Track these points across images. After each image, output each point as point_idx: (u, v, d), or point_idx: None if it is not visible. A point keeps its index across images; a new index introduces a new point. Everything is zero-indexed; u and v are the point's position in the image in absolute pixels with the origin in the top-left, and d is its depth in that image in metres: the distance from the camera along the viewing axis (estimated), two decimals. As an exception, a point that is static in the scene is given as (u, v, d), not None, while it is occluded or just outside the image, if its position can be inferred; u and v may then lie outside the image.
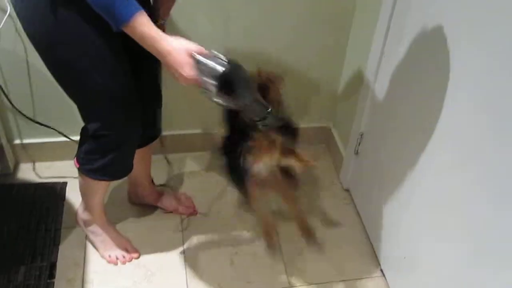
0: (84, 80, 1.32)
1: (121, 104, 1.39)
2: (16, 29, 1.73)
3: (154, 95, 1.64)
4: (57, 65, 1.31)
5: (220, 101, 1.25)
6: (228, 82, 1.22)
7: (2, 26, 1.69)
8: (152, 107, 1.65)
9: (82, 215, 1.78)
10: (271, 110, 1.30)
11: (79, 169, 1.57)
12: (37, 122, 1.97)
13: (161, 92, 1.65)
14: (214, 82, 1.21)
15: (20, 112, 1.93)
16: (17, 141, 2.06)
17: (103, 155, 1.49)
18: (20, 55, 1.79)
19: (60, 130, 2.01)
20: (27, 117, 1.95)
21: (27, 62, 1.82)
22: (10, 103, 1.89)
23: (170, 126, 2.03)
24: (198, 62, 1.21)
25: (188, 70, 1.20)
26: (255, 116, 1.30)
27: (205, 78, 1.21)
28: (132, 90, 1.40)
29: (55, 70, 1.33)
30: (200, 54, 1.21)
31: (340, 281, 1.78)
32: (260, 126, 1.32)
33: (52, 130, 1.99)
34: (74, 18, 1.22)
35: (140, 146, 1.68)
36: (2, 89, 1.86)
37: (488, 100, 1.18)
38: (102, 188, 1.67)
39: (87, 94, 1.37)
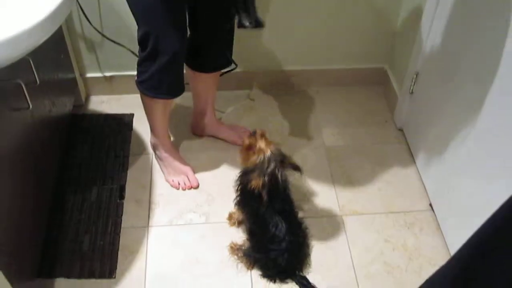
0: None
1: (160, 14, 1.51)
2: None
3: (223, 22, 1.72)
4: None
5: None
6: None
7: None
8: (221, 35, 1.75)
9: (151, 137, 1.95)
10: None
11: (135, 83, 1.73)
12: (107, 37, 2.07)
13: (232, 20, 1.73)
14: None
15: (95, 28, 2.03)
16: (89, 75, 2.20)
17: (148, 67, 1.62)
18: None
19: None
20: (100, 33, 2.05)
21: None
22: (95, 28, 2.01)
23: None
24: None
25: None
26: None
27: None
28: (176, 5, 1.51)
29: None
30: None
31: (389, 212, 1.86)
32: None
33: (120, 64, 2.12)
34: None
35: (207, 71, 1.84)
36: (87, 19, 1.98)
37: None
38: (158, 108, 1.79)
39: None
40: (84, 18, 1.98)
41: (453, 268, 0.90)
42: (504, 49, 1.39)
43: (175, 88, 1.72)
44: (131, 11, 1.56)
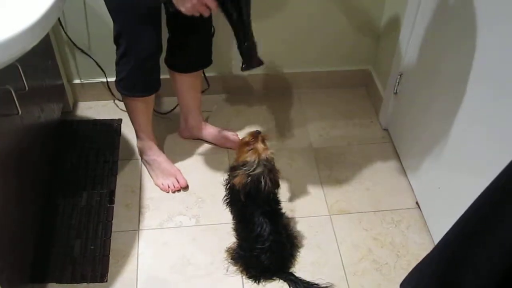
0: None
1: (132, 13, 1.53)
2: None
3: (203, 23, 1.73)
4: None
5: None
6: None
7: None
8: (199, 34, 1.77)
9: (137, 142, 1.97)
10: None
11: (115, 84, 1.75)
12: (89, 55, 2.10)
13: (211, 22, 1.76)
14: None
15: (76, 45, 2.06)
16: (76, 81, 2.21)
17: (124, 66, 1.65)
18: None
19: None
20: (82, 51, 2.08)
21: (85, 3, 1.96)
22: (68, 37, 2.02)
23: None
24: None
25: None
26: None
27: None
28: (150, 5, 1.53)
29: None
30: None
31: (377, 211, 1.89)
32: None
33: (107, 70, 2.13)
34: None
35: (187, 71, 1.86)
36: (62, 27, 2.00)
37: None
38: (139, 107, 1.82)
39: None
40: (71, 25, 2.00)
41: (437, 253, 0.92)
42: (481, 49, 1.43)
43: (150, 85, 1.75)
44: (107, 8, 1.58)
